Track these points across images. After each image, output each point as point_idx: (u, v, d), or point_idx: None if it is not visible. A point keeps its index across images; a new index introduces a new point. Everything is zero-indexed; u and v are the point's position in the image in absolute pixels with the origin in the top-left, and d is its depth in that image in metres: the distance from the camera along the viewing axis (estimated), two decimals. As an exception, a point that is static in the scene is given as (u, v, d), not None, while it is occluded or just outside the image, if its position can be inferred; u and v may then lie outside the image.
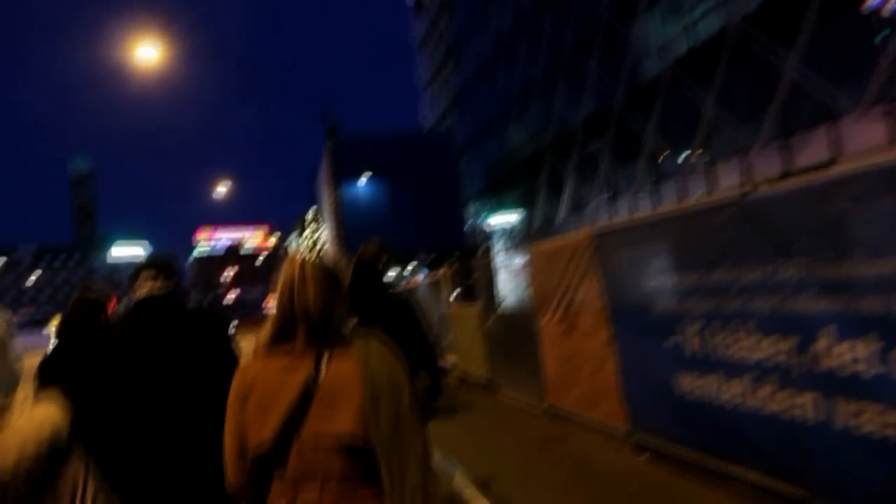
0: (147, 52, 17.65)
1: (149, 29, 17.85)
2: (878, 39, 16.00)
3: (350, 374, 1.96)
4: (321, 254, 2.22)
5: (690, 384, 4.97)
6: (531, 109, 35.45)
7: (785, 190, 4.15)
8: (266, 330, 2.06)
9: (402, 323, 4.20)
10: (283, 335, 2.02)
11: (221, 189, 36.60)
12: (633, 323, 5.68)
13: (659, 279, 5.26)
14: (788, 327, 4.13)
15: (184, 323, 2.95)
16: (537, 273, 7.72)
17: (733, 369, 4.54)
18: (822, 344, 3.92)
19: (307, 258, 2.13)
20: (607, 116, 26.84)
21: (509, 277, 11.55)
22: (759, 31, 18.31)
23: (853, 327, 3.73)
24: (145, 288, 2.96)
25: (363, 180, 44.15)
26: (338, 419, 1.90)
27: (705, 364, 4.79)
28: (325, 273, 2.09)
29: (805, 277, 4.00)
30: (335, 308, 2.08)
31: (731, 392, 4.57)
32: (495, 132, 41.38)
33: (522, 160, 36.62)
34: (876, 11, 16.06)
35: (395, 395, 1.97)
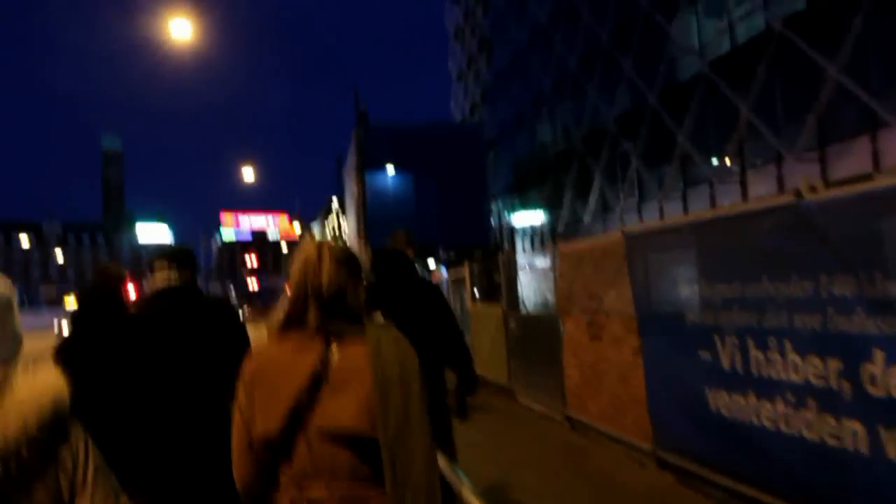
0: (179, 29, 17.50)
1: (181, 5, 17.69)
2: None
3: (361, 361, 1.90)
4: (341, 241, 2.12)
5: (723, 403, 4.66)
6: (563, 105, 34.99)
7: (842, 196, 3.83)
8: (278, 312, 2.01)
9: (433, 311, 4.14)
10: (294, 317, 1.97)
11: (246, 173, 36.55)
12: (664, 333, 5.37)
13: (695, 287, 4.95)
14: (836, 348, 3.81)
15: (200, 312, 3.06)
16: (564, 275, 7.43)
17: (772, 389, 4.23)
18: (872, 368, 3.61)
19: (325, 241, 2.09)
20: (640, 116, 26.34)
21: (533, 278, 11.24)
22: (802, 33, 17.77)
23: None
24: (162, 278, 3.08)
25: (389, 170, 43.94)
26: (346, 409, 1.85)
27: (741, 382, 4.48)
28: (341, 255, 2.05)
29: (858, 294, 3.68)
30: (349, 290, 2.02)
31: (768, 414, 4.27)
32: (525, 127, 40.96)
33: (551, 157, 36.20)
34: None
35: (405, 389, 1.92)
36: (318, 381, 1.87)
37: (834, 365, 3.81)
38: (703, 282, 4.83)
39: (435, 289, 4.46)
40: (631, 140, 27.31)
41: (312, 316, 1.95)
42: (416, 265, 4.64)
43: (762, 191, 19.19)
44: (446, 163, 46.50)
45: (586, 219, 31.83)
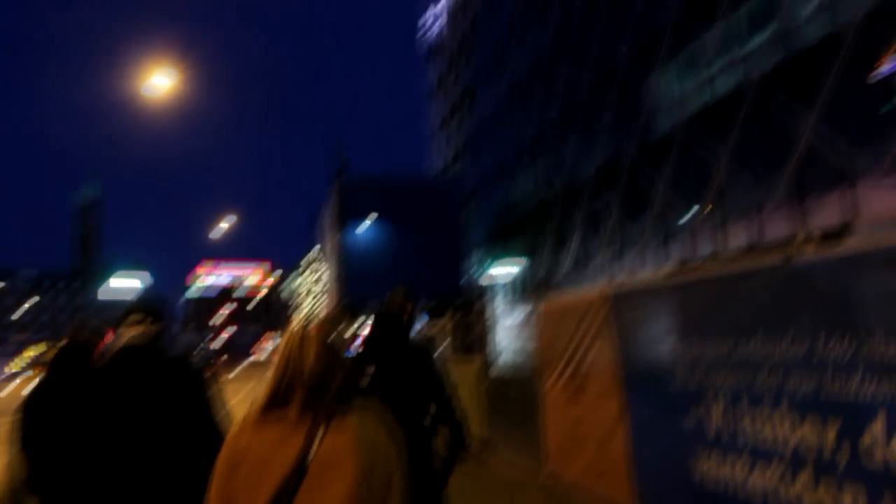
0: (156, 83, 17.48)
1: (157, 60, 17.72)
2: (883, 109, 15.77)
3: (344, 450, 1.90)
4: (323, 318, 2.24)
5: (712, 468, 4.41)
6: (540, 159, 35.27)
7: (837, 255, 3.66)
8: (261, 394, 2.00)
9: (422, 375, 4.15)
10: (279, 400, 1.96)
11: (225, 224, 36.31)
12: (650, 393, 5.14)
13: (682, 347, 4.74)
14: (832, 411, 3.60)
15: (159, 377, 2.95)
16: (544, 331, 7.20)
17: (763, 455, 4.00)
18: (871, 433, 3.39)
19: (309, 325, 2.10)
20: (618, 169, 26.54)
21: (511, 333, 11.00)
22: (777, 89, 18.02)
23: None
24: (130, 332, 3.01)
25: (367, 222, 43.88)
26: (328, 499, 1.85)
27: (730, 447, 4.24)
28: (327, 338, 2.06)
29: (855, 355, 3.48)
30: (334, 373, 2.02)
31: (759, 482, 4.02)
32: (506, 177, 41.19)
33: (529, 210, 36.32)
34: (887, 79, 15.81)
35: (387, 480, 1.93)
36: (301, 471, 1.85)
37: (829, 430, 3.59)
38: (691, 340, 4.62)
39: (423, 352, 4.43)
40: (610, 191, 27.44)
41: (296, 401, 1.94)
42: (413, 325, 4.62)
43: (741, 241, 19.22)
44: (424, 214, 46.55)
45: (566, 269, 31.77)
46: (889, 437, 3.32)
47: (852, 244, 3.70)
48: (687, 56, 23.58)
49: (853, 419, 3.49)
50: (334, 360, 2.03)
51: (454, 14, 52.21)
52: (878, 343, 3.36)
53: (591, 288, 6.36)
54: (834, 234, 4.33)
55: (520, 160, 38.12)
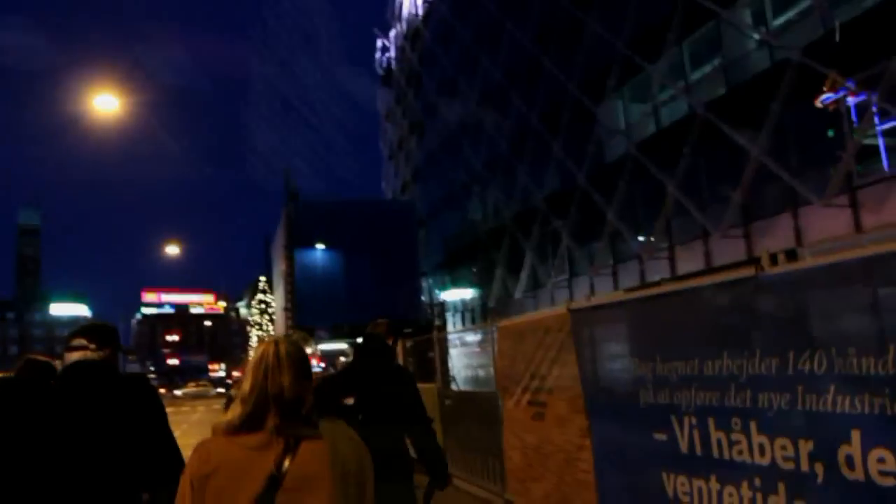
0: (101, 104, 17.03)
1: (105, 81, 17.26)
2: (830, 133, 16.28)
3: (319, 464, 1.94)
4: (293, 338, 2.24)
5: (681, 488, 4.30)
6: (494, 184, 35.44)
7: (808, 268, 3.62)
8: (234, 411, 2.01)
9: (406, 400, 4.17)
10: (253, 419, 1.97)
11: (170, 251, 35.48)
12: (615, 412, 5.03)
13: (648, 364, 4.64)
14: (806, 428, 3.53)
15: (113, 393, 2.88)
16: (504, 352, 7.07)
17: (735, 473, 3.90)
18: (847, 450, 3.33)
19: (281, 340, 2.12)
20: (570, 194, 26.78)
21: (467, 355, 10.89)
22: (723, 117, 18.44)
23: (888, 432, 3.15)
24: (78, 354, 2.93)
25: (319, 248, 43.39)
26: None
27: (701, 466, 4.14)
28: (300, 357, 2.08)
29: (830, 370, 3.42)
30: (306, 393, 2.05)
31: (732, 501, 3.92)
32: (456, 206, 41.27)
33: (482, 235, 36.39)
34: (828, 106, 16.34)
35: (361, 490, 2.01)
36: (275, 485, 1.88)
37: (803, 447, 3.51)
38: (657, 357, 4.53)
39: (410, 378, 4.47)
40: (561, 218, 27.65)
41: (272, 419, 1.95)
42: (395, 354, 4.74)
43: (690, 267, 19.51)
44: (377, 239, 46.31)
45: (517, 295, 31.83)
46: (860, 454, 3.26)
47: (818, 259, 3.66)
48: (636, 86, 24.05)
49: (829, 436, 3.41)
50: (307, 381, 2.05)
51: (404, 45, 52.48)
52: (851, 357, 3.31)
53: (550, 309, 6.26)
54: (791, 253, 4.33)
55: (470, 188, 38.28)
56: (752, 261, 3.92)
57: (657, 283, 7.30)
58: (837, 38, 15.42)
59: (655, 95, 22.88)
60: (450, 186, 42.28)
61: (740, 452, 3.87)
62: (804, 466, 3.51)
